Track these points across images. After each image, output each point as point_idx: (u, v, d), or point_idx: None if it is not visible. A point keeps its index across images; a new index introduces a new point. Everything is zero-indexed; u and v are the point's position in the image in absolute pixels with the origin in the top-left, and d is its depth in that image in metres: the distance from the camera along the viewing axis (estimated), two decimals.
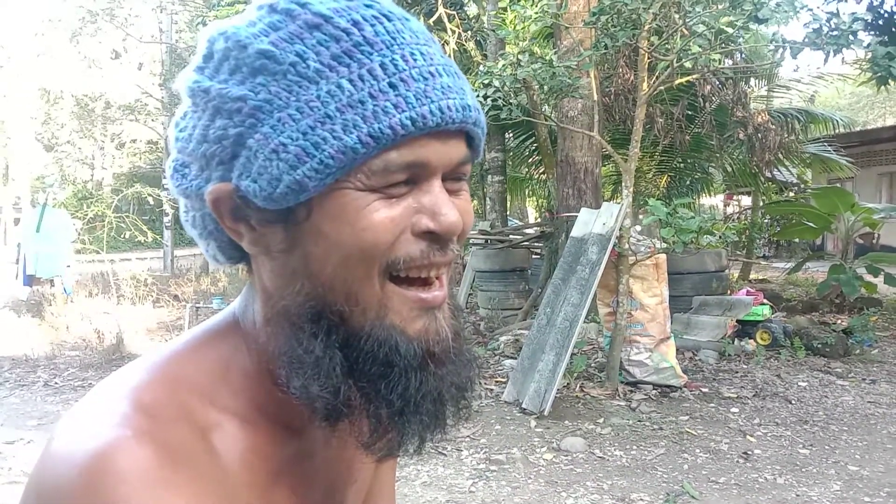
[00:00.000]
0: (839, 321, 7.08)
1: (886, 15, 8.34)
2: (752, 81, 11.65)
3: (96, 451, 0.50)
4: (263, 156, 0.53)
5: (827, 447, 4.21)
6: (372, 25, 0.53)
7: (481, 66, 6.33)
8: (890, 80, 5.77)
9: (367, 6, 0.54)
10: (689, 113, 9.50)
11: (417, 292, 0.56)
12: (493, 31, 8.36)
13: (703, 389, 5.32)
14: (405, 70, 0.52)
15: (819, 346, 6.34)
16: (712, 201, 18.76)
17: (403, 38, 0.54)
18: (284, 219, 0.54)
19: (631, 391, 5.21)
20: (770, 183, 12.83)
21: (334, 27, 0.53)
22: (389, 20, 0.54)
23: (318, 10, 0.53)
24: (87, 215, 10.79)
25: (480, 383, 5.40)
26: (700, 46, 4.79)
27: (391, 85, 0.52)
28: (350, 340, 0.56)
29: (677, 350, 5.67)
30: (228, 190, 0.55)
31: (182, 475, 0.51)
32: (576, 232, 5.43)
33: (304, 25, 0.53)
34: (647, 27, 5.06)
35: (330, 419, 0.56)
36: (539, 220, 12.91)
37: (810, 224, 9.55)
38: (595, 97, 6.05)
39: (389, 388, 0.56)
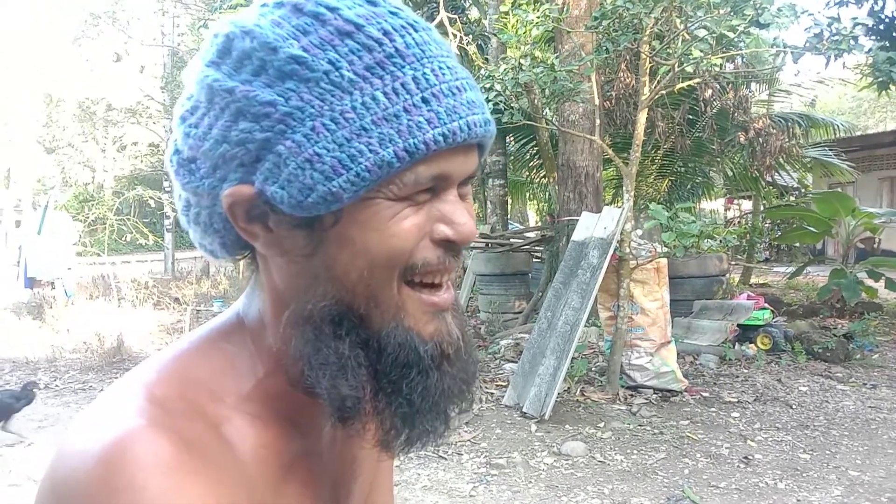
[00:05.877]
0: (840, 326, 7.06)
1: (887, 20, 8.36)
2: (754, 86, 11.65)
3: (112, 440, 0.50)
4: (295, 164, 0.52)
5: (828, 452, 4.20)
6: (402, 36, 0.53)
7: (483, 69, 6.34)
8: (891, 85, 5.78)
9: (393, 14, 0.54)
10: (691, 117, 9.50)
11: (430, 296, 0.58)
12: (495, 34, 8.38)
13: (704, 394, 5.31)
14: (436, 85, 0.53)
15: (820, 350, 6.33)
16: (713, 205, 18.77)
17: (431, 50, 0.54)
18: (310, 224, 0.55)
19: (631, 395, 5.20)
20: (771, 187, 12.82)
21: (366, 36, 0.52)
22: (416, 30, 0.54)
23: (349, 16, 0.52)
24: (88, 218, 10.83)
25: (481, 386, 5.40)
26: (701, 51, 4.79)
27: (424, 100, 0.53)
28: (369, 342, 0.57)
29: (678, 354, 5.67)
30: (249, 193, 0.54)
31: (199, 462, 0.52)
32: (577, 236, 5.43)
33: (335, 32, 0.52)
34: (648, 32, 5.07)
35: (353, 418, 0.57)
36: (540, 223, 12.92)
37: (811, 228, 9.54)
38: (596, 101, 6.05)
39: (411, 388, 0.57)
